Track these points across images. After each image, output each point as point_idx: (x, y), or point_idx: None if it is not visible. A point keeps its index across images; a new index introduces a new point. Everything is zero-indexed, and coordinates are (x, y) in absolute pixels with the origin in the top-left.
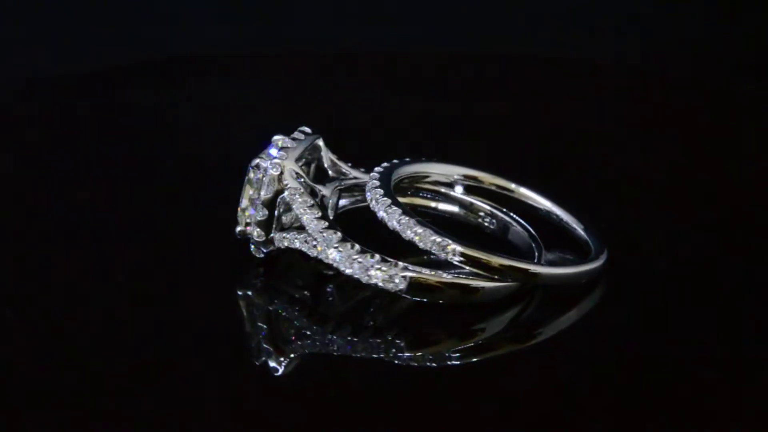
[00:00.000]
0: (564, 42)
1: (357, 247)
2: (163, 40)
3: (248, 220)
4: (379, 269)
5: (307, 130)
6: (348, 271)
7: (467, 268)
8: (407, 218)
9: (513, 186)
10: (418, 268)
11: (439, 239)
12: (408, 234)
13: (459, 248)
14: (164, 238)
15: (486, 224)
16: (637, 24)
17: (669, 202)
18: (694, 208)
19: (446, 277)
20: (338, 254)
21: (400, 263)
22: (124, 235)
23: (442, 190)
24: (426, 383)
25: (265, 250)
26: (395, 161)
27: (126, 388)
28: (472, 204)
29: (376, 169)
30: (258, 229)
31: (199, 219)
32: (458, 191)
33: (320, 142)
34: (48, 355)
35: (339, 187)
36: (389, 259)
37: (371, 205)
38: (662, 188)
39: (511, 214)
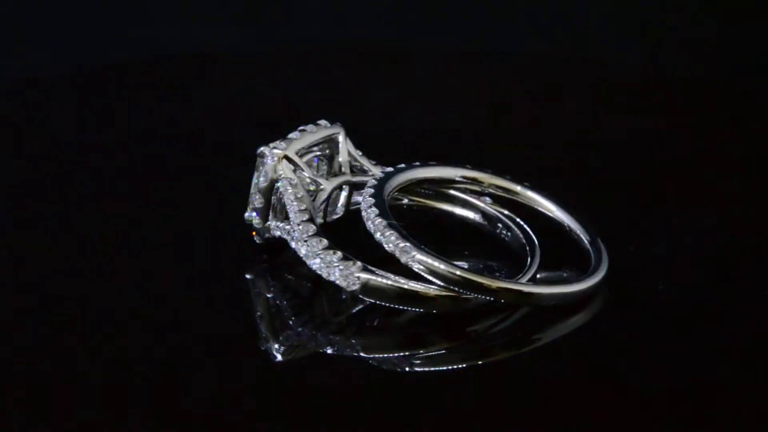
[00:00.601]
0: (563, 41)
1: (324, 242)
2: (162, 40)
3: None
4: (337, 267)
5: (324, 123)
6: (313, 267)
7: (428, 277)
8: (380, 219)
9: (519, 189)
10: (381, 272)
11: (402, 244)
12: (377, 236)
13: (418, 255)
14: (167, 231)
15: (503, 234)
16: (637, 24)
17: (670, 204)
18: (696, 209)
19: (412, 284)
20: (306, 248)
21: (359, 263)
22: (125, 229)
23: (442, 190)
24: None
25: (263, 237)
26: (416, 163)
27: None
28: (473, 205)
29: (387, 169)
30: (257, 216)
31: (201, 212)
32: (486, 201)
33: (339, 137)
34: (57, 340)
35: (349, 183)
36: (351, 258)
37: (361, 205)
38: (663, 189)
39: (516, 218)
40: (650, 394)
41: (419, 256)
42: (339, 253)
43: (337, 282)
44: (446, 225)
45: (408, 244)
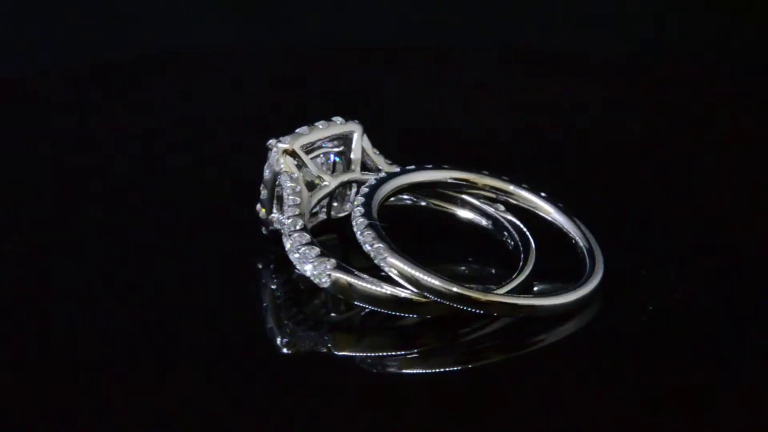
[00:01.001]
0: (563, 40)
1: (307, 238)
2: (162, 40)
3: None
4: (312, 263)
5: (339, 120)
6: (293, 261)
7: (401, 282)
8: (362, 219)
9: (512, 188)
10: (358, 272)
11: (377, 245)
12: (358, 235)
13: (390, 258)
14: (171, 229)
15: (508, 242)
16: (637, 22)
17: (671, 205)
18: (696, 209)
19: (387, 288)
20: (290, 242)
21: (333, 260)
22: (125, 227)
23: (454, 194)
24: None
25: (268, 228)
26: (428, 165)
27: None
28: (483, 210)
29: (394, 170)
30: (261, 208)
31: (206, 209)
32: (500, 208)
33: (354, 134)
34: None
35: (357, 181)
36: (327, 255)
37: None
38: (664, 191)
39: (523, 228)
40: (648, 395)
41: (390, 259)
42: (317, 249)
43: (311, 277)
44: (451, 228)
45: (382, 245)
